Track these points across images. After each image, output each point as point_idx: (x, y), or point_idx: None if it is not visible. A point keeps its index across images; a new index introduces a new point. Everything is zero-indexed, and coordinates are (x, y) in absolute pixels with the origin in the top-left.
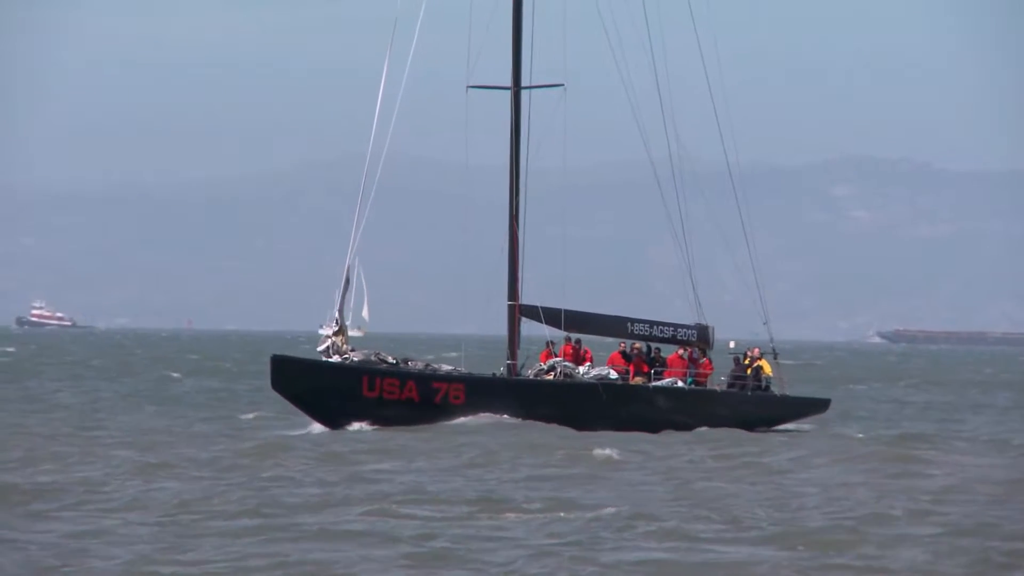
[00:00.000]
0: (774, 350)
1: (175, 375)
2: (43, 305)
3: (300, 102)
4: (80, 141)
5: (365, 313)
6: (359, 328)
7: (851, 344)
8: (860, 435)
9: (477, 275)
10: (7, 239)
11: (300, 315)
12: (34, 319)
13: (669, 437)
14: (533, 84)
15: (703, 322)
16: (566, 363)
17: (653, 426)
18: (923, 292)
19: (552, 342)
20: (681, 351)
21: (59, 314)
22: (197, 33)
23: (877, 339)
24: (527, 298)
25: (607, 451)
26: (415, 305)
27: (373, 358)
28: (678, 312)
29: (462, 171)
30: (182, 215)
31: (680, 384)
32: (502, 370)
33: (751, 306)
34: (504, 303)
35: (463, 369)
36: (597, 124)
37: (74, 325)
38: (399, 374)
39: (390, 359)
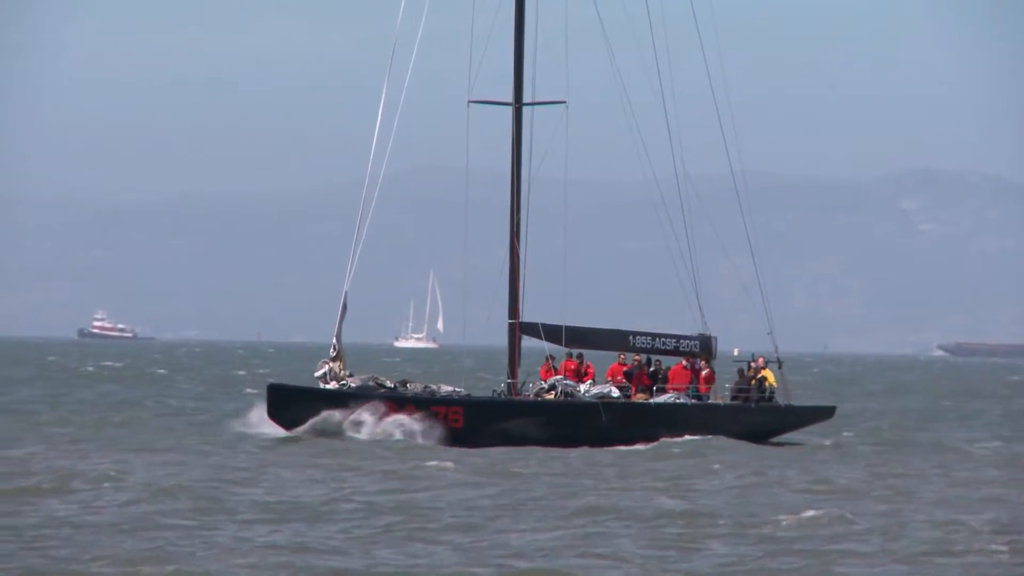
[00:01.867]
0: (779, 360)
1: None
2: (104, 317)
3: (364, 116)
4: (150, 155)
5: (440, 325)
6: (434, 340)
7: (914, 358)
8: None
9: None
10: (78, 252)
11: (366, 328)
12: (96, 331)
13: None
14: (535, 100)
15: (706, 332)
16: (567, 381)
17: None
18: (991, 305)
19: (552, 356)
20: (684, 362)
21: (120, 326)
22: (267, 50)
23: (940, 352)
24: (603, 309)
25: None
26: (493, 318)
27: (371, 383)
28: (744, 326)
29: (536, 184)
30: (250, 228)
31: (682, 400)
32: (502, 388)
33: (819, 319)
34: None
35: (462, 390)
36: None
37: (135, 337)
38: (397, 398)
39: (388, 383)
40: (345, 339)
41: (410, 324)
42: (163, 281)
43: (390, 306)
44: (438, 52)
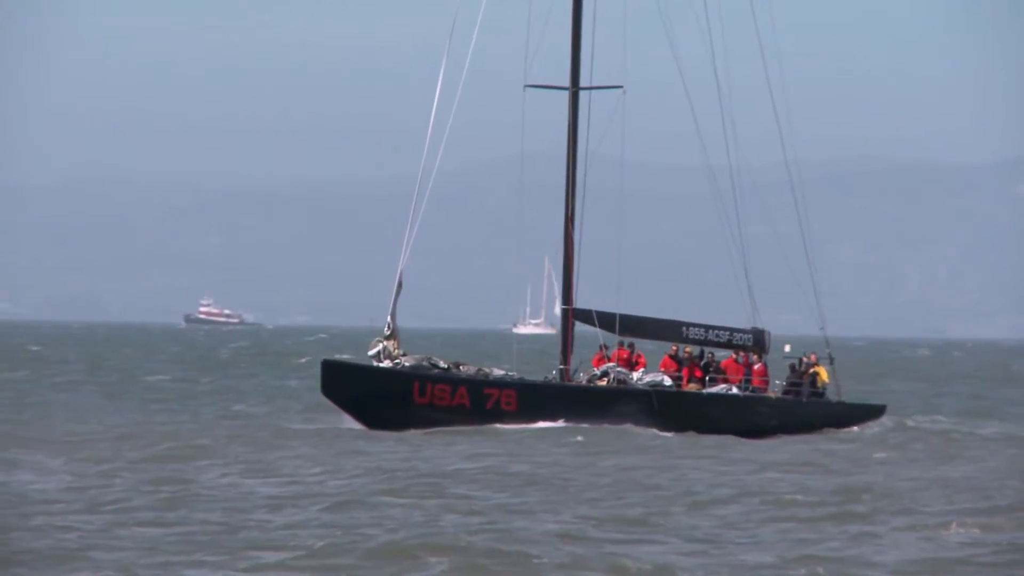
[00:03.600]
0: (830, 355)
1: None
2: (211, 302)
3: (470, 102)
4: (264, 139)
5: (557, 310)
6: (552, 325)
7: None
8: None
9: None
10: (193, 238)
11: (485, 314)
12: (202, 316)
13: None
14: (592, 85)
15: (759, 326)
16: (620, 369)
17: (709, 431)
18: None
19: (606, 346)
20: (735, 355)
21: (227, 311)
22: (379, 35)
23: None
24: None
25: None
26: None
27: (425, 363)
28: (862, 312)
29: (652, 171)
30: (363, 213)
31: (735, 391)
32: (554, 374)
33: (935, 304)
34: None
35: (515, 374)
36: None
37: (241, 322)
38: (450, 379)
39: (442, 364)
40: (467, 326)
41: (527, 310)
42: (277, 267)
43: (509, 292)
44: (499, 36)
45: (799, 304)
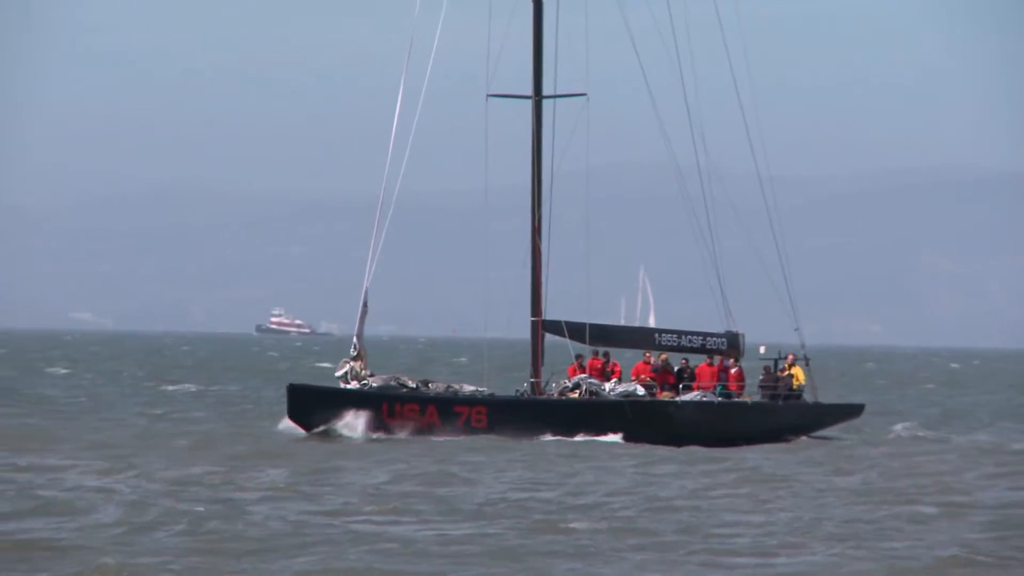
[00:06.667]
0: (806, 356)
1: None
2: (282, 312)
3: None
4: (339, 149)
5: (651, 321)
6: None
7: None
8: None
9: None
10: (278, 248)
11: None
12: (273, 326)
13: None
14: (556, 93)
15: (733, 329)
16: (591, 380)
17: (685, 440)
18: None
19: (581, 356)
20: (710, 360)
21: (298, 321)
22: (446, 49)
23: None
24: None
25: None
26: (676, 316)
27: (393, 383)
28: (944, 322)
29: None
30: (442, 223)
31: (709, 398)
32: (525, 387)
33: (1017, 313)
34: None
35: (485, 390)
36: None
37: (312, 332)
38: (419, 399)
39: (410, 383)
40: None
41: (622, 322)
42: (361, 277)
43: (576, 300)
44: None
45: (880, 314)
